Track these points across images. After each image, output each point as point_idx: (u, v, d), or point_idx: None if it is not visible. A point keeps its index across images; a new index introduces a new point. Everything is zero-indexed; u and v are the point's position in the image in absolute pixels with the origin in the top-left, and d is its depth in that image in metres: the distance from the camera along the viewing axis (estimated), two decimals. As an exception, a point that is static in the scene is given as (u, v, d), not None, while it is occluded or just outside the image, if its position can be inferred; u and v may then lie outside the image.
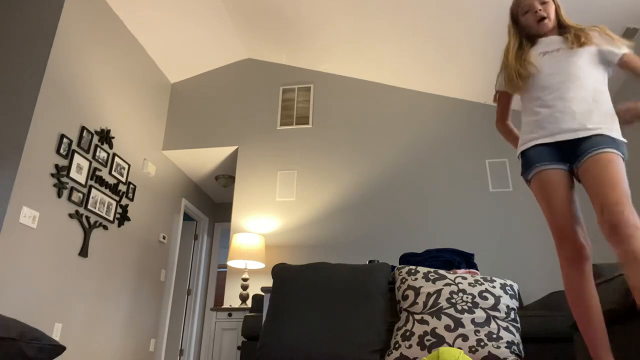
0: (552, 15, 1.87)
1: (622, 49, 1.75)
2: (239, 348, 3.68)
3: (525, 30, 1.93)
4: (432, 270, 2.24)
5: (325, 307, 2.20)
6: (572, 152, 1.67)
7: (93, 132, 3.87)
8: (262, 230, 4.50)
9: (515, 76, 1.85)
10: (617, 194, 1.47)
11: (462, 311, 2.00)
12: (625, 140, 1.64)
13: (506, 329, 1.96)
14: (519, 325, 2.03)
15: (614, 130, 1.63)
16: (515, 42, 1.92)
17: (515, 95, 2.02)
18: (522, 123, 1.87)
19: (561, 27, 1.88)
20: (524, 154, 1.79)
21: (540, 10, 1.86)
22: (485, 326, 1.95)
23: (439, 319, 2.00)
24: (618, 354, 1.58)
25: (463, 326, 1.95)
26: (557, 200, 1.66)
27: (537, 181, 1.73)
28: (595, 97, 1.69)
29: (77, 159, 3.63)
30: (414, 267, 2.29)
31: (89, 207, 3.73)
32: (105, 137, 3.99)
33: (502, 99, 2.08)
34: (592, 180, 1.56)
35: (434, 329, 1.98)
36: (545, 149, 1.72)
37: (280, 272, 2.45)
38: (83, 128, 3.74)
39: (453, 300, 2.04)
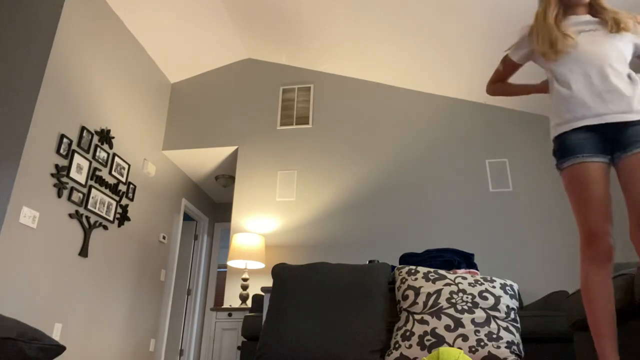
0: None
1: None
2: (239, 348, 3.68)
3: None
4: (432, 270, 2.24)
5: (325, 307, 2.20)
6: (615, 138, 1.58)
7: (93, 132, 3.87)
8: (262, 230, 4.50)
9: (558, 40, 1.71)
10: None
11: (462, 311, 2.00)
12: None
13: (506, 329, 1.96)
14: (519, 325, 2.03)
15: None
16: (554, 8, 1.78)
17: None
18: (555, 96, 1.73)
19: (593, 7, 1.78)
20: (563, 136, 1.66)
21: None
22: (485, 326, 1.95)
23: (439, 319, 2.00)
24: (619, 353, 1.59)
25: (463, 326, 1.95)
26: (594, 198, 1.56)
27: (572, 173, 1.61)
28: (633, 81, 1.63)
29: (77, 159, 3.63)
30: (414, 267, 2.29)
31: (89, 207, 3.73)
32: (105, 137, 3.99)
33: (511, 66, 1.97)
34: (632, 182, 1.48)
35: (434, 329, 1.98)
36: (588, 136, 1.61)
37: (280, 272, 2.45)
38: (83, 128, 3.74)
39: (453, 300, 2.04)
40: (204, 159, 5.26)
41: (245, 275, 4.18)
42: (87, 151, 3.76)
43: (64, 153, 3.50)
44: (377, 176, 4.52)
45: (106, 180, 3.98)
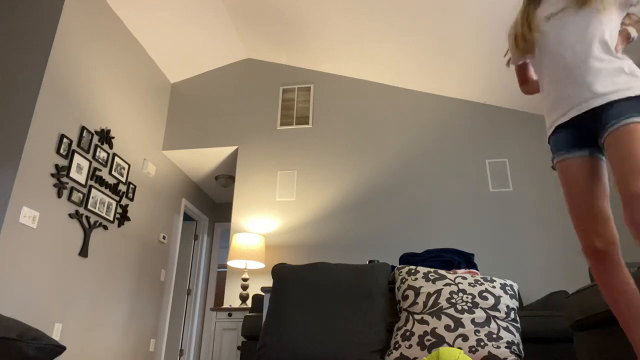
0: None
1: None
2: (239, 348, 3.68)
3: None
4: (432, 270, 2.24)
5: (325, 307, 2.20)
6: (594, 128, 1.42)
7: (93, 132, 3.87)
8: (262, 230, 4.50)
9: (520, 40, 1.60)
10: None
11: (462, 311, 2.00)
12: None
13: (506, 329, 1.96)
14: (519, 325, 2.03)
15: (635, 88, 1.36)
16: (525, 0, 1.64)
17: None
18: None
19: None
20: (550, 138, 1.57)
21: None
22: (485, 326, 1.95)
23: (439, 319, 2.00)
24: (618, 354, 1.59)
25: (463, 326, 1.95)
26: (576, 194, 1.46)
27: (558, 171, 1.54)
28: (605, 57, 1.42)
29: (77, 159, 3.63)
30: (414, 267, 2.29)
31: (89, 207, 3.73)
32: (105, 137, 3.99)
33: (520, 69, 1.81)
34: (614, 162, 1.33)
35: (434, 329, 1.98)
36: (564, 133, 1.50)
37: (280, 272, 2.45)
38: (83, 128, 3.74)
39: (453, 300, 2.04)
40: (204, 159, 5.26)
41: (245, 275, 4.18)
42: (87, 151, 3.76)
43: (64, 153, 3.50)
44: (377, 176, 4.52)
45: (106, 180, 3.98)
